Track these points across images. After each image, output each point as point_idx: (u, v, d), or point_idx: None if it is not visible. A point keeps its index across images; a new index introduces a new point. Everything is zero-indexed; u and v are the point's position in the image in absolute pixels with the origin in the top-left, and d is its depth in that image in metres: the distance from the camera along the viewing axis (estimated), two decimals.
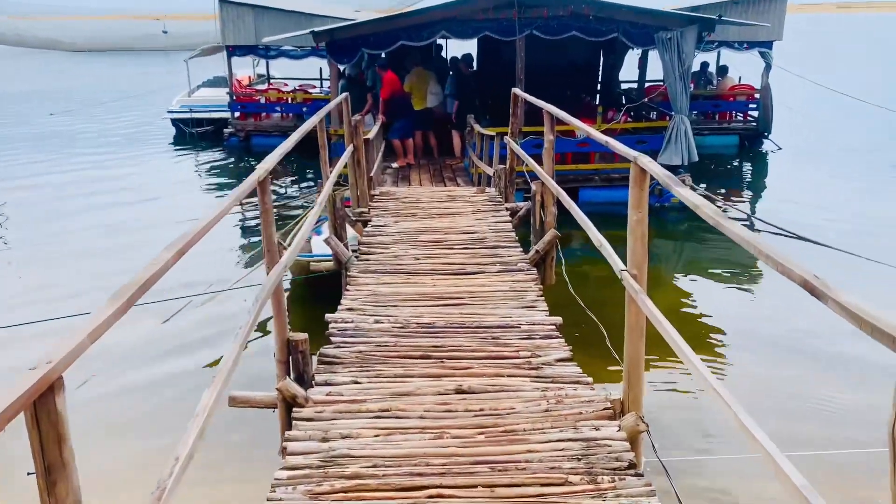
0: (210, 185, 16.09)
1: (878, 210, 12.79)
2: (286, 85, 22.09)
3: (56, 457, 1.68)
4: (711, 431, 5.19)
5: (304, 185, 15.64)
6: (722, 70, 19.06)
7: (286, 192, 15.21)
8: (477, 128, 11.58)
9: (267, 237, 3.72)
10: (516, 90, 8.28)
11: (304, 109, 18.85)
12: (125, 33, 63.98)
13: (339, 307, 5.03)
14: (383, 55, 15.99)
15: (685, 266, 10.54)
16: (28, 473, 1.90)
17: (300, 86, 21.65)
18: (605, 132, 12.33)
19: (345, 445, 3.28)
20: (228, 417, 4.37)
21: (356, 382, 3.85)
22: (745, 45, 17.07)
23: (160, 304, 7.40)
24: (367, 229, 7.16)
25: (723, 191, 14.72)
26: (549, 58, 14.45)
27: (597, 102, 16.89)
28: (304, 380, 3.90)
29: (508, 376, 3.96)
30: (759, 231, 11.24)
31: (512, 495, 2.94)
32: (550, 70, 15.05)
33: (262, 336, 7.08)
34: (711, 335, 7.76)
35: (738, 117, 18.47)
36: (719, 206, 12.77)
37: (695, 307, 8.75)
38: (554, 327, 4.62)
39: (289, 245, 8.59)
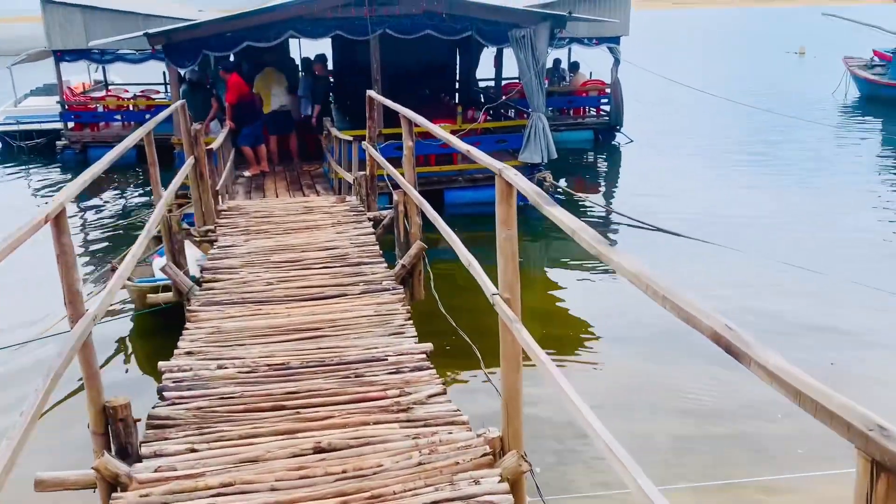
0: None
1: (720, 195, 13.37)
2: (126, 91, 20.46)
3: None
4: (600, 466, 4.91)
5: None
6: (573, 66, 19.41)
7: (128, 204, 13.99)
8: (333, 131, 11.00)
9: (68, 285, 3.03)
10: (371, 92, 7.79)
11: (147, 117, 17.44)
12: None
13: (176, 351, 4.36)
14: (232, 57, 15.07)
15: (552, 263, 10.46)
16: None
17: (142, 91, 20.12)
18: (466, 132, 12.18)
19: None
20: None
21: (192, 450, 3.23)
22: (595, 41, 17.41)
23: None
24: (212, 251, 6.44)
25: (584, 186, 14.94)
26: (406, 58, 14.06)
27: (456, 102, 16.73)
28: (130, 452, 3.24)
29: (375, 423, 3.47)
30: (616, 225, 11.51)
31: None
32: (407, 70, 14.68)
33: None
34: (582, 333, 7.64)
35: (592, 112, 18.87)
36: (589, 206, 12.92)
37: (563, 305, 8.63)
38: (424, 356, 4.18)
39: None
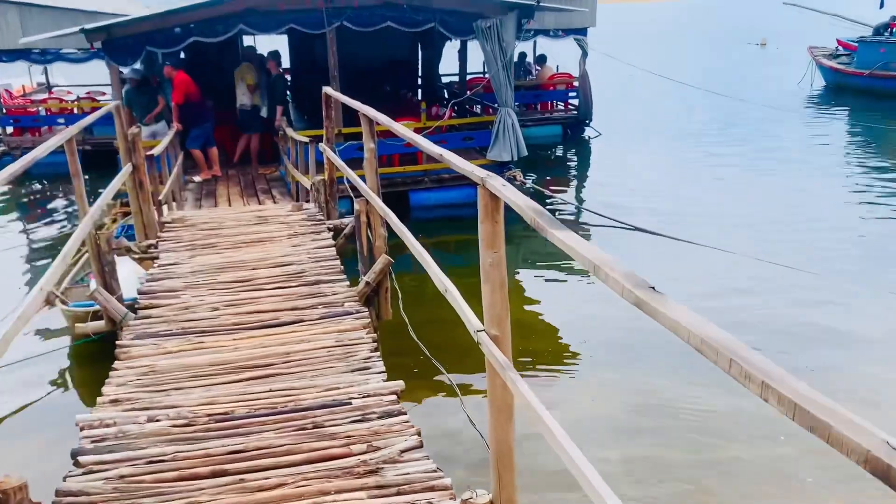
0: None
1: (692, 189, 12.96)
2: (70, 93, 19.38)
3: None
4: None
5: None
6: (540, 59, 18.88)
7: (74, 213, 13.05)
8: (289, 132, 10.28)
9: None
10: (328, 89, 7.11)
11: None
12: None
13: (100, 399, 3.66)
14: (183, 55, 14.22)
15: (528, 263, 9.88)
16: None
17: (87, 93, 19.05)
18: (431, 131, 11.53)
19: None
20: None
21: None
22: (561, 33, 16.89)
23: None
24: (151, 271, 5.72)
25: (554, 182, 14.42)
26: (365, 53, 13.40)
27: (419, 98, 16.08)
28: None
29: (337, 493, 2.83)
30: (592, 225, 10.97)
31: None
32: (367, 65, 14.02)
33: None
34: (561, 344, 7.09)
35: (560, 106, 18.36)
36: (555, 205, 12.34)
37: (539, 312, 8.05)
38: (395, 397, 3.55)
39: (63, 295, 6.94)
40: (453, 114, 13.35)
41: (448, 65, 17.73)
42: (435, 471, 2.97)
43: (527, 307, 8.12)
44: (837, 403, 1.06)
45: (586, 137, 17.93)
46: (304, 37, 11.97)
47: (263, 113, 12.60)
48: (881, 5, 23.52)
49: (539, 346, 6.96)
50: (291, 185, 10.09)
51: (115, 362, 4.10)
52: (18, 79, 21.37)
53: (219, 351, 4.16)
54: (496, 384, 2.75)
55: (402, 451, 3.09)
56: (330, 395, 3.57)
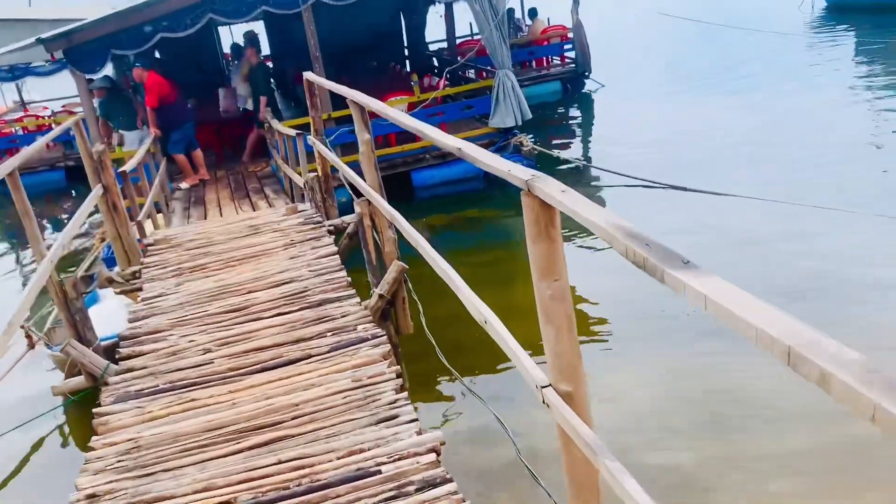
0: None
1: (703, 133, 12.07)
2: (45, 108, 18.55)
3: None
4: None
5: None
6: (531, 13, 17.91)
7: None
8: (274, 124, 9.50)
9: None
10: (309, 75, 6.31)
11: (72, 133, 15.67)
12: None
13: (73, 496, 2.97)
14: (158, 54, 13.39)
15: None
16: None
17: (64, 106, 18.21)
18: (427, 103, 10.72)
19: None
20: None
21: None
22: None
23: None
24: (133, 308, 5.01)
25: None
26: (346, 28, 12.55)
27: (408, 70, 15.21)
28: None
29: None
30: (611, 186, 10.16)
31: None
32: (350, 42, 13.15)
33: None
34: (601, 329, 6.36)
35: (556, 61, 17.43)
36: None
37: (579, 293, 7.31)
38: (434, 457, 2.83)
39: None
40: (447, 83, 12.52)
41: (433, 31, 16.82)
42: None
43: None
44: None
45: (588, 91, 17.02)
46: (279, 19, 11.12)
47: (249, 105, 11.81)
48: None
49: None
50: (285, 180, 9.34)
51: (93, 438, 3.40)
52: None
53: (214, 409, 3.45)
54: (574, 456, 2.04)
55: None
56: (353, 463, 2.85)
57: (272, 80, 12.97)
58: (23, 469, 5.28)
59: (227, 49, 15.55)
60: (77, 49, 10.00)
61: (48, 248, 4.45)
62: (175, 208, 9.41)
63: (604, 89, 16.74)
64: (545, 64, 17.46)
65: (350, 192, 5.63)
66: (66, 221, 13.08)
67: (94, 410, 3.63)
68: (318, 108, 6.44)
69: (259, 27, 14.27)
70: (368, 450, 2.92)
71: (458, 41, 16.50)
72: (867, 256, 6.66)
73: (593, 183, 10.57)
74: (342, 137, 9.32)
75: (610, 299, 6.54)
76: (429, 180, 10.84)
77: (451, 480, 2.66)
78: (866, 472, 4.01)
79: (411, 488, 2.66)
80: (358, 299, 4.45)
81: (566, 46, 16.97)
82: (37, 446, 5.46)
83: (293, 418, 3.24)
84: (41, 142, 5.55)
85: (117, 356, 4.26)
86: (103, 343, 5.80)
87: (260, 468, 2.93)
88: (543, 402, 2.05)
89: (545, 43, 17.20)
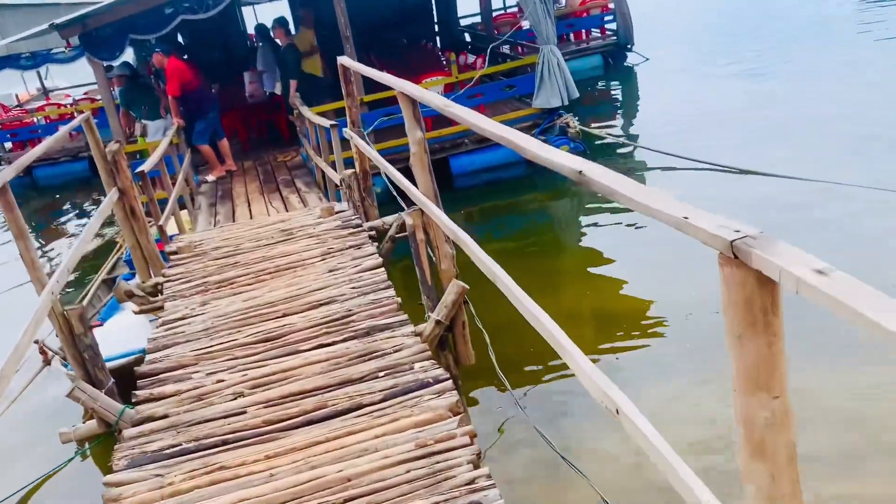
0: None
1: (756, 109, 11.12)
2: (67, 96, 18.05)
3: None
4: None
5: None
6: None
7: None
8: (304, 111, 8.82)
9: None
10: (344, 59, 5.59)
11: (95, 121, 15.13)
12: None
13: None
14: (180, 38, 12.79)
15: (595, 227, 8.40)
16: None
17: (85, 93, 17.68)
18: (469, 85, 9.98)
19: None
20: None
21: None
22: None
23: None
24: (153, 334, 4.38)
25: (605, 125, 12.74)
26: (374, 4, 11.77)
27: (439, 48, 14.42)
28: None
29: None
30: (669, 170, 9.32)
31: None
32: (377, 18, 12.39)
33: None
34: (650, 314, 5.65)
35: (596, 34, 16.49)
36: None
37: (623, 281, 6.58)
38: None
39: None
40: (484, 61, 11.75)
41: (464, 5, 15.99)
42: None
43: (606, 279, 6.64)
44: None
45: (630, 65, 16.07)
46: None
47: (277, 89, 11.13)
48: None
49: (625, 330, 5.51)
50: (317, 171, 8.69)
51: None
52: (15, 88, 20.14)
53: (246, 482, 2.80)
54: None
55: None
56: None
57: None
58: None
59: (251, 30, 14.87)
60: (93, 34, 9.42)
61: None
62: (201, 204, 8.80)
63: (648, 63, 15.78)
64: (584, 37, 16.53)
65: (387, 183, 4.94)
66: (87, 216, 12.63)
67: (105, 480, 3.01)
68: (355, 97, 5.73)
69: (283, 8, 13.55)
70: None
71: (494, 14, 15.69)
72: None
73: (649, 165, 9.76)
74: (372, 121, 8.61)
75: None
76: (469, 166, 10.12)
77: None
78: None
79: None
80: (412, 328, 3.78)
81: (607, 18, 16.05)
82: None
83: (345, 502, 2.58)
84: (47, 143, 4.91)
85: (133, 399, 3.64)
86: (124, 360, 5.24)
87: None
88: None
89: (584, 14, 16.28)
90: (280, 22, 10.66)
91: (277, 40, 10.86)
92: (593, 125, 11.45)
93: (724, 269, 1.23)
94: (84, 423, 3.68)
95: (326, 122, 6.61)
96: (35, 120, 16.14)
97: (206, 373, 3.74)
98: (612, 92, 15.60)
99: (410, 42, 13.95)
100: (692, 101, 12.52)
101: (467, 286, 3.81)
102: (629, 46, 15.86)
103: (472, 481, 2.56)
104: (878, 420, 4.07)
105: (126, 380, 4.28)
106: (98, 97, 17.03)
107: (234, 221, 7.53)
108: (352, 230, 5.46)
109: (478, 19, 16.29)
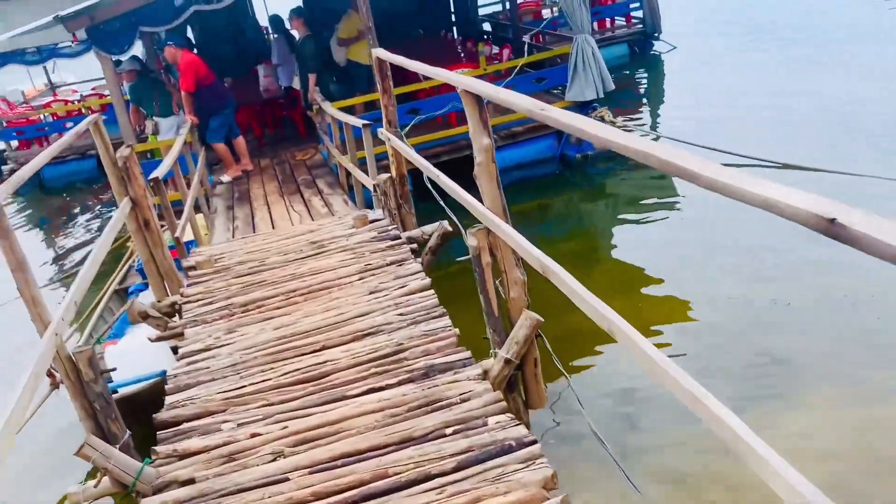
0: None
1: (790, 94, 10.47)
2: (75, 92, 17.51)
3: None
4: None
5: None
6: None
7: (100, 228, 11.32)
8: (325, 107, 8.26)
9: None
10: (380, 52, 5.00)
11: (104, 117, 14.57)
12: None
13: None
14: (190, 30, 12.22)
15: (628, 229, 7.83)
16: None
17: (93, 89, 17.13)
18: (502, 74, 9.37)
19: None
20: None
21: None
22: None
23: None
24: (174, 370, 3.83)
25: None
26: None
27: (458, 39, 13.78)
28: None
29: None
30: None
31: None
32: (392, 7, 11.74)
33: None
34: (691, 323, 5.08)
35: (622, 22, 15.83)
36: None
37: (660, 285, 6.00)
38: None
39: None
40: (511, 52, 11.17)
41: None
42: None
43: (646, 278, 6.05)
44: None
45: (657, 53, 15.41)
46: None
47: (295, 84, 10.54)
48: None
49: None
50: (340, 171, 8.13)
51: None
52: (24, 84, 19.62)
53: None
54: None
55: None
56: None
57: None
58: None
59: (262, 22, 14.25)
60: (100, 27, 8.84)
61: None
62: (217, 207, 8.24)
63: (675, 52, 15.12)
64: (609, 25, 15.88)
65: (429, 185, 4.36)
66: (96, 217, 12.09)
67: None
68: (391, 94, 5.15)
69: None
70: None
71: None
72: None
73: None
74: (414, 121, 8.02)
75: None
76: (500, 163, 9.47)
77: None
78: None
79: None
80: (480, 370, 3.21)
81: (633, 5, 15.40)
82: None
83: None
84: (50, 150, 4.36)
85: (153, 455, 3.10)
86: (143, 384, 4.71)
87: None
88: None
89: (609, 2, 15.62)
90: (298, 12, 10.04)
91: (295, 32, 10.25)
92: (618, 116, 10.87)
93: None
94: (95, 484, 3.13)
95: (359, 122, 6.02)
96: (42, 117, 15.60)
97: (237, 422, 3.19)
98: (638, 82, 14.93)
99: (426, 32, 13.33)
100: (722, 92, 11.88)
101: (541, 318, 3.25)
102: (656, 35, 15.23)
103: None
104: None
105: (145, 406, 3.76)
106: (106, 93, 16.53)
107: (253, 227, 6.98)
108: (390, 242, 4.90)
109: (495, 9, 15.66)
